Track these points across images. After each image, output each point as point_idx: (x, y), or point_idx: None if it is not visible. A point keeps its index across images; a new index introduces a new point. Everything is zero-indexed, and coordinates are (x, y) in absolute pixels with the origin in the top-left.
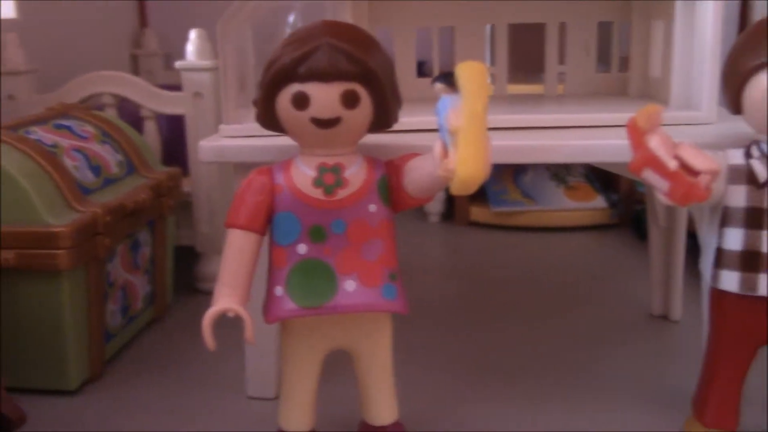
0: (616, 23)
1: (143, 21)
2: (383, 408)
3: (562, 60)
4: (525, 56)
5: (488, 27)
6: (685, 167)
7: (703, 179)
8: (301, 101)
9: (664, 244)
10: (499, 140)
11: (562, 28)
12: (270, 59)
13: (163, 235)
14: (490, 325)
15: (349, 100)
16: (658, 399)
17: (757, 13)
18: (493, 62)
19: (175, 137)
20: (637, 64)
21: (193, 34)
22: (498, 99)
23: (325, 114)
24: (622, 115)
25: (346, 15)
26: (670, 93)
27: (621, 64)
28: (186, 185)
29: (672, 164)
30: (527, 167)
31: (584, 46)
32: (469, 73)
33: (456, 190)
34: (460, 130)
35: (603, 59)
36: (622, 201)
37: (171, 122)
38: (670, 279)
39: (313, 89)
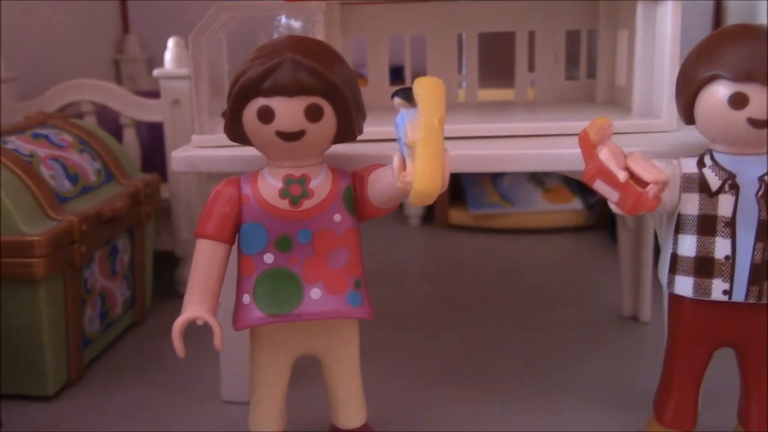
0: (584, 32)
1: (125, 26)
2: (351, 411)
3: (531, 67)
4: (496, 63)
5: (462, 35)
6: (635, 178)
7: (651, 190)
8: (266, 115)
9: (633, 246)
10: (465, 149)
11: (531, 36)
12: (237, 73)
13: (141, 242)
14: (464, 326)
15: (313, 114)
16: (626, 399)
17: (731, 16)
18: (464, 70)
19: (154, 144)
20: (604, 72)
21: (170, 42)
22: (468, 107)
23: (290, 127)
24: (584, 124)
25: (319, 25)
26: (633, 101)
27: (590, 71)
28: (165, 191)
29: (621, 175)
30: None
31: (553, 54)
32: (427, 88)
33: (414, 201)
34: (417, 144)
35: (574, 66)
36: (599, 203)
37: (151, 129)
38: (639, 281)
39: (277, 103)
